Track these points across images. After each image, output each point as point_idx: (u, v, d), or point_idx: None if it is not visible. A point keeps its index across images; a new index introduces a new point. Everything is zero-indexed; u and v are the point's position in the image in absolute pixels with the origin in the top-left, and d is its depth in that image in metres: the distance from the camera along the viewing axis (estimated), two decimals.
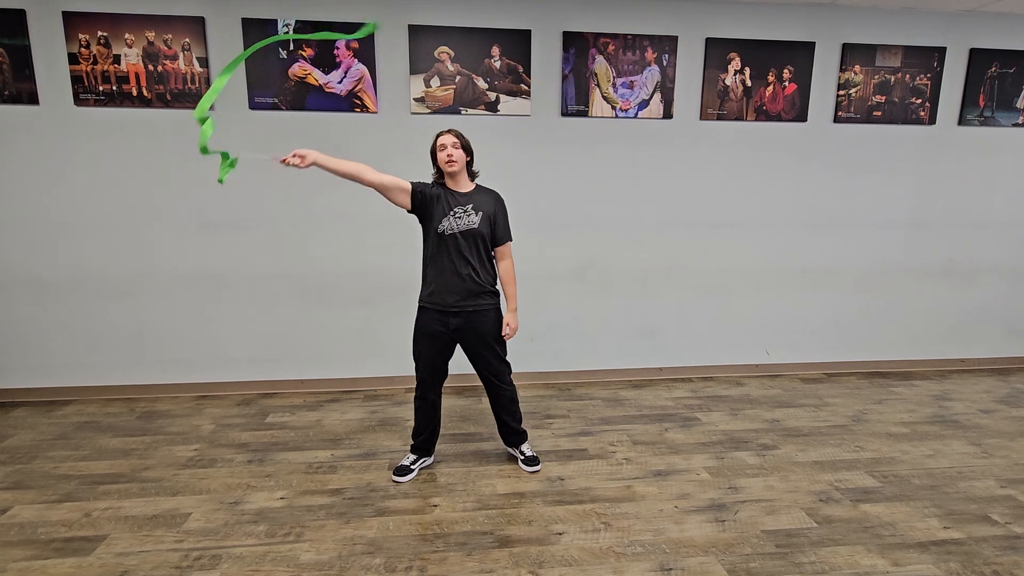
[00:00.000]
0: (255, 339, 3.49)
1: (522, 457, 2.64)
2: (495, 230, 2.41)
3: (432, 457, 2.66)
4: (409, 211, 2.36)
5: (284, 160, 2.11)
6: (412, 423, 3.06)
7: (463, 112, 3.37)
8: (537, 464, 2.61)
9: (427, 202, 2.33)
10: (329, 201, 3.39)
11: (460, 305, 2.37)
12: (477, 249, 2.36)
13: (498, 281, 2.48)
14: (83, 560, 1.99)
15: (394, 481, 2.49)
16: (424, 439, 2.57)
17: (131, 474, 2.56)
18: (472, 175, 2.44)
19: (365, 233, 3.45)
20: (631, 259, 3.68)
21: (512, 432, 2.64)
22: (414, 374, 2.49)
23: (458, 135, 2.35)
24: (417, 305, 2.45)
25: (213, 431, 2.99)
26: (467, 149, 2.38)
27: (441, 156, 2.33)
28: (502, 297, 2.50)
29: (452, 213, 2.32)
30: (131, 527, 2.17)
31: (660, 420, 3.17)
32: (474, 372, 2.57)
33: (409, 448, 2.64)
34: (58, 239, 3.26)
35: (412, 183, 2.32)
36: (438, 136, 2.36)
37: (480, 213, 2.35)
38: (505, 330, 2.45)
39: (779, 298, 3.86)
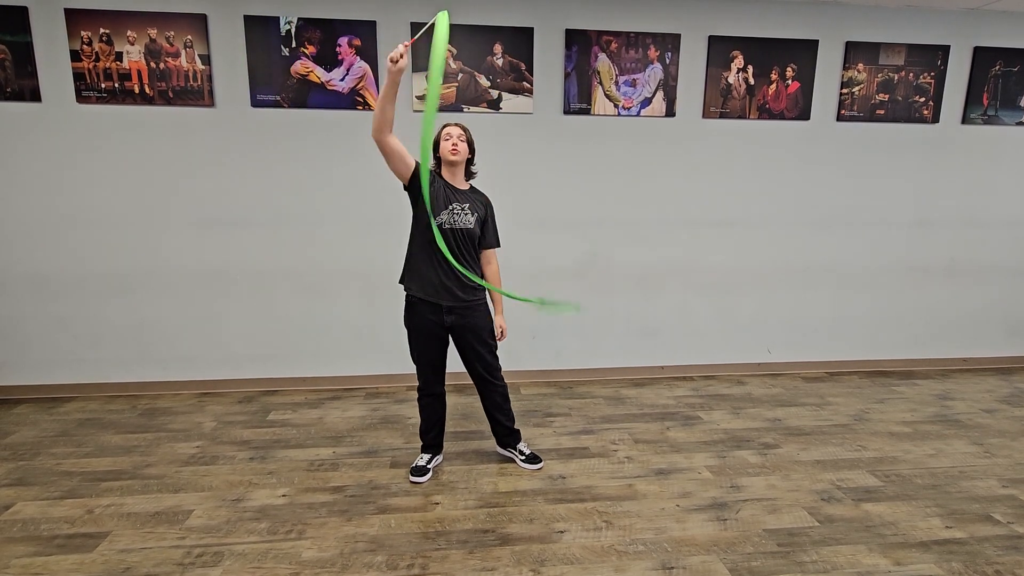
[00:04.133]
0: (257, 336, 3.50)
1: (521, 457, 2.63)
2: (485, 234, 2.42)
3: (442, 454, 2.66)
4: (405, 187, 2.32)
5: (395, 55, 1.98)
6: (413, 420, 3.08)
7: (465, 110, 3.36)
8: (539, 461, 2.61)
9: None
10: (331, 198, 3.39)
11: (454, 301, 2.36)
12: (468, 249, 2.36)
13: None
14: (85, 557, 1.99)
15: (412, 482, 2.48)
16: (434, 436, 2.57)
17: (133, 471, 2.56)
18: (469, 175, 2.44)
19: (367, 230, 3.45)
20: (633, 257, 3.68)
21: (507, 432, 2.63)
22: (415, 374, 2.48)
23: (465, 129, 2.36)
24: (405, 295, 2.40)
25: (215, 428, 3.00)
26: (470, 146, 2.38)
27: (445, 145, 2.32)
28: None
29: (450, 208, 2.31)
30: (133, 524, 2.18)
31: (662, 419, 3.17)
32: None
33: (420, 448, 2.63)
34: (60, 236, 3.26)
35: (416, 160, 2.29)
36: (444, 127, 2.36)
37: (475, 215, 2.36)
38: (498, 333, 2.49)
39: (781, 297, 3.85)
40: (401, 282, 2.41)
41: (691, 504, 2.34)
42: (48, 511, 2.26)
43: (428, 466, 2.54)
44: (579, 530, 2.16)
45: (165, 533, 2.12)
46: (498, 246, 2.49)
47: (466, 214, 2.33)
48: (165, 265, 3.36)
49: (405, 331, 2.45)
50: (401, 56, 2.00)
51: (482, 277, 2.45)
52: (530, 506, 2.31)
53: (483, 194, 2.46)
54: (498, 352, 2.53)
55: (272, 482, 2.48)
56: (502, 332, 2.51)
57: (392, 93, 2.08)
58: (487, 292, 2.48)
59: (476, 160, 2.45)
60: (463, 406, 3.27)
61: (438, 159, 2.38)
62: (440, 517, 2.23)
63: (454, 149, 2.31)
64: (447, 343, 2.46)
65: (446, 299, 2.35)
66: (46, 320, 3.34)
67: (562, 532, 2.15)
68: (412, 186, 2.30)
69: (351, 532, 2.13)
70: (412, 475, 2.49)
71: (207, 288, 3.41)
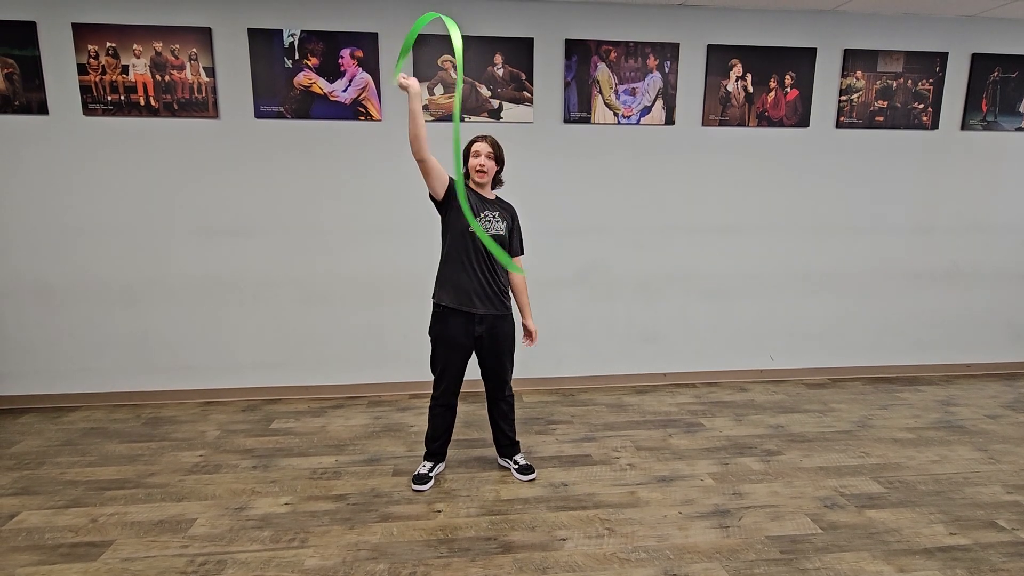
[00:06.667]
0: (260, 345, 3.51)
1: (516, 467, 2.62)
2: (511, 242, 2.47)
3: (445, 462, 2.67)
4: (436, 201, 2.34)
5: (401, 80, 2.11)
6: (416, 428, 3.08)
7: (466, 119, 3.39)
8: (532, 472, 2.60)
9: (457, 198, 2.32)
10: (334, 207, 3.42)
11: (486, 310, 2.38)
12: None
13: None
14: (89, 565, 2.00)
15: (414, 490, 2.48)
16: (440, 445, 2.57)
17: (137, 480, 2.57)
18: (497, 183, 2.47)
19: (369, 239, 3.47)
20: (634, 264, 3.69)
21: (509, 442, 2.64)
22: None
23: (493, 145, 2.37)
24: (433, 307, 2.43)
25: (218, 437, 3.01)
26: (499, 160, 2.40)
27: (473, 163, 2.35)
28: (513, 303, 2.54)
29: (482, 216, 2.34)
30: (137, 533, 2.18)
31: (664, 426, 3.17)
32: (475, 378, 2.58)
33: (423, 456, 2.63)
34: (66, 246, 3.29)
35: (451, 177, 2.32)
36: (474, 141, 2.37)
37: (504, 222, 2.40)
38: (526, 341, 2.56)
39: (783, 303, 3.85)
40: (434, 297, 2.43)
41: (693, 511, 2.33)
42: (52, 520, 2.27)
43: (430, 474, 2.54)
44: (581, 538, 2.16)
45: (168, 542, 2.13)
46: (521, 253, 2.55)
47: (497, 221, 2.37)
48: (169, 275, 3.38)
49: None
50: (405, 82, 2.09)
51: (509, 283, 2.49)
52: (532, 514, 2.31)
53: (509, 203, 2.50)
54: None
55: (275, 490, 2.48)
56: (533, 335, 2.55)
57: (419, 106, 2.13)
58: (514, 302, 2.53)
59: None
60: (466, 414, 3.27)
61: (467, 171, 2.40)
62: (442, 525, 2.23)
63: (480, 171, 2.34)
64: (471, 353, 2.48)
65: (480, 308, 2.37)
66: (51, 329, 3.36)
67: (564, 540, 2.14)
68: (445, 201, 2.33)
69: (353, 540, 2.14)
70: (414, 483, 2.50)
71: (211, 297, 3.43)
